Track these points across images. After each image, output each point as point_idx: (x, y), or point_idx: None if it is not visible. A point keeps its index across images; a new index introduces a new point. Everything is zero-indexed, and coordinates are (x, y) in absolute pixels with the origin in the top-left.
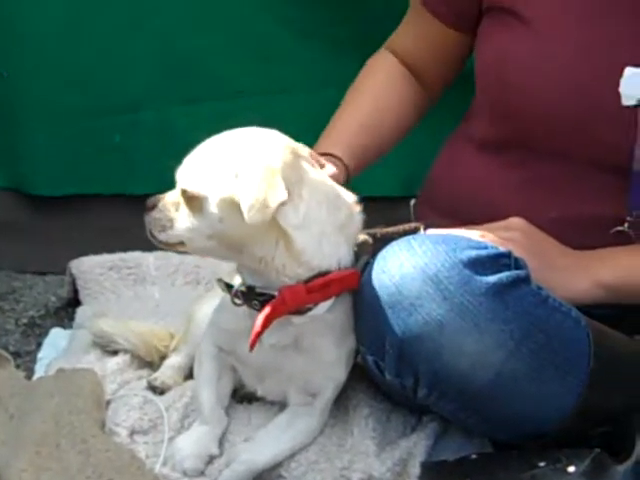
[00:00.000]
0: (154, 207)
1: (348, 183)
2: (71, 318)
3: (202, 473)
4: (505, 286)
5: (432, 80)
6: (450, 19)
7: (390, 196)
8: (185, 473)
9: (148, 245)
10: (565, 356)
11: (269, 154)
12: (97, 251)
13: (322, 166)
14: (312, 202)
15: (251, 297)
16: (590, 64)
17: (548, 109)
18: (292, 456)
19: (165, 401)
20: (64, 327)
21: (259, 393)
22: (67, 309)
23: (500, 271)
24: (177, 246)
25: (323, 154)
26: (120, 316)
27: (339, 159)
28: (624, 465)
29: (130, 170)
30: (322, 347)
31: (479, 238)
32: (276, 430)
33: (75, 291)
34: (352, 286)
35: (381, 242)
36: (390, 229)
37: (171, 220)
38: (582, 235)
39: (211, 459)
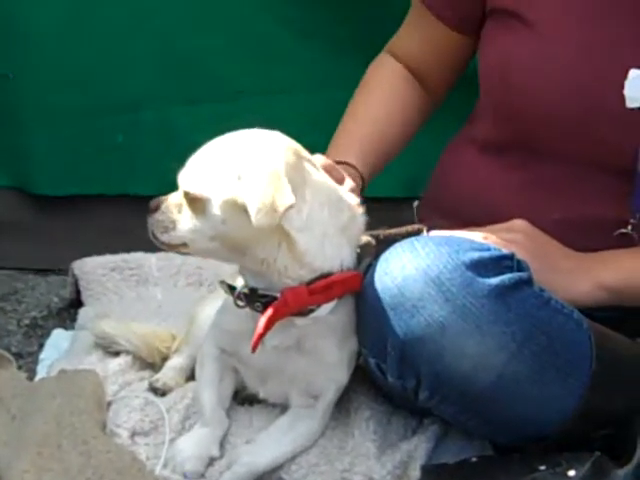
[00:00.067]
0: (157, 209)
1: (362, 191)
2: (73, 319)
3: (203, 475)
4: (507, 288)
5: (435, 83)
6: (454, 22)
7: (393, 197)
8: (186, 475)
9: (151, 245)
10: (567, 358)
11: (272, 156)
12: (99, 251)
13: (342, 179)
14: (315, 204)
15: (253, 299)
16: (592, 66)
17: (551, 110)
18: (293, 458)
19: (166, 402)
20: (66, 328)
21: (261, 395)
22: (69, 310)
23: (502, 273)
24: (179, 247)
25: (337, 162)
26: (122, 317)
27: (354, 167)
28: (624, 469)
29: (132, 170)
30: (324, 349)
31: (482, 240)
32: (277, 432)
33: (77, 292)
34: (354, 288)
35: (384, 244)
36: (393, 230)
37: (173, 222)
38: (585, 237)
39: (212, 461)
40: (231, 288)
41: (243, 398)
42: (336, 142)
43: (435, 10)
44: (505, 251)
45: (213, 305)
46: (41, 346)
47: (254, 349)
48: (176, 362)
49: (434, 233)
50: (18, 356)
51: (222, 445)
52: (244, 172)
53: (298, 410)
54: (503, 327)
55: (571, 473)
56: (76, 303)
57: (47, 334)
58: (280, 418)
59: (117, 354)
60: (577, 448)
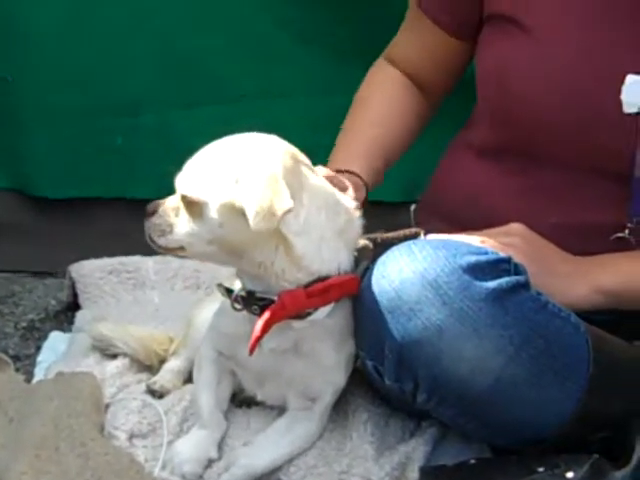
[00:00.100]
0: (154, 212)
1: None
2: (70, 322)
3: (201, 477)
4: (505, 292)
5: (433, 89)
6: (452, 27)
7: (391, 201)
8: (184, 477)
9: (149, 248)
10: (564, 362)
11: (270, 160)
12: (98, 254)
13: (345, 188)
14: (312, 208)
15: (251, 302)
16: (590, 71)
17: (549, 116)
18: (291, 460)
19: (164, 405)
20: (63, 331)
21: (258, 397)
22: (67, 313)
23: (500, 277)
24: (177, 251)
25: (341, 171)
26: (119, 320)
27: (358, 175)
28: (622, 471)
29: (131, 173)
30: (322, 352)
31: (479, 244)
32: (275, 434)
33: (75, 295)
34: (352, 291)
35: (381, 247)
36: (390, 234)
37: (171, 225)
38: (583, 241)
39: (210, 463)
40: (228, 291)
41: (241, 400)
42: (338, 151)
43: (432, 15)
44: (502, 255)
45: (210, 308)
46: (38, 349)
47: (251, 352)
48: (174, 365)
49: (431, 237)
50: (15, 359)
51: (220, 447)
52: (242, 176)
53: (296, 412)
54: (500, 330)
55: (569, 475)
56: (73, 306)
57: (44, 337)
58: (278, 420)
59: (114, 357)
60: (575, 450)
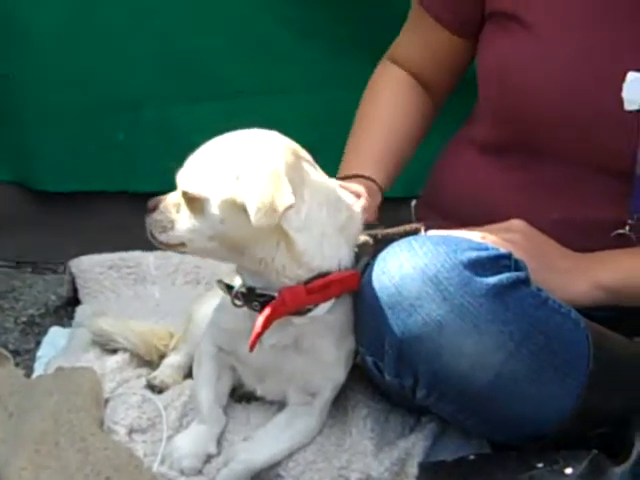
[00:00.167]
0: (155, 208)
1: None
2: (70, 317)
3: (200, 472)
4: (505, 287)
5: (437, 88)
6: (454, 26)
7: (391, 197)
8: (183, 472)
9: (150, 243)
10: (564, 358)
11: (271, 156)
12: (99, 247)
13: (358, 196)
14: (313, 204)
15: (251, 298)
16: (591, 68)
17: (550, 113)
18: (290, 456)
19: (164, 400)
20: (63, 326)
21: (258, 393)
22: (66, 308)
23: (500, 272)
24: (178, 247)
25: (354, 176)
26: (120, 315)
27: (372, 180)
28: (622, 467)
29: (133, 168)
30: (322, 348)
31: (479, 239)
32: (275, 430)
33: (75, 290)
34: (352, 287)
35: (382, 243)
36: (391, 230)
37: (172, 221)
38: (583, 238)
39: (209, 458)
40: (229, 287)
41: (240, 395)
42: (349, 155)
43: (434, 13)
44: (503, 250)
45: (210, 303)
46: (38, 344)
47: (252, 348)
48: (174, 360)
49: (432, 232)
50: (15, 353)
51: (219, 442)
52: (243, 172)
53: (295, 408)
54: (501, 326)
55: (568, 471)
56: (73, 301)
57: (44, 332)
58: (277, 415)
59: (114, 352)
60: (574, 447)
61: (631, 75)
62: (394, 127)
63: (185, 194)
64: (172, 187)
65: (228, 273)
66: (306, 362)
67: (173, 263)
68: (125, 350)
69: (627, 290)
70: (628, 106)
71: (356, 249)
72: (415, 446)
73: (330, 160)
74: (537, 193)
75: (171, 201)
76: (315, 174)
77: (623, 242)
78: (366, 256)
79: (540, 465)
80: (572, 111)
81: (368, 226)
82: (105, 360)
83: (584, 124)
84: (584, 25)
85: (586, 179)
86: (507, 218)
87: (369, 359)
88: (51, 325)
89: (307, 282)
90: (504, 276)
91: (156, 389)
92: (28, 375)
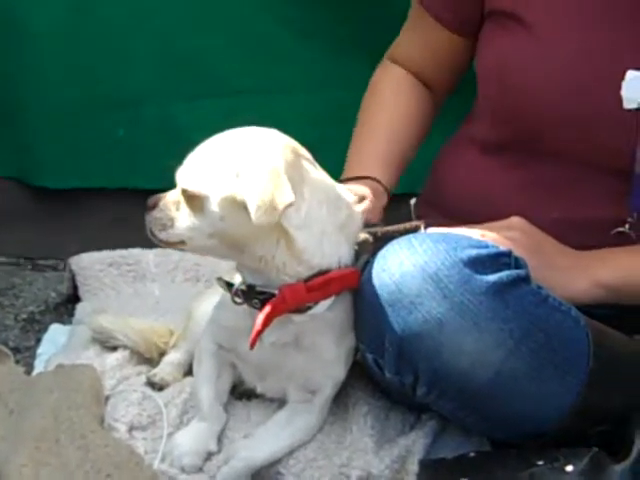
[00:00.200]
0: (155, 206)
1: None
2: (70, 314)
3: (200, 469)
4: (505, 285)
5: (438, 87)
6: (454, 25)
7: (391, 194)
8: (183, 469)
9: (151, 239)
10: (564, 355)
11: (271, 154)
12: (100, 244)
13: (363, 198)
14: (313, 202)
15: (251, 296)
16: (591, 67)
17: (549, 112)
18: (291, 453)
19: (164, 397)
20: (63, 323)
21: (259, 390)
22: (67, 305)
23: (500, 270)
24: (178, 245)
25: (360, 178)
26: (120, 312)
27: (378, 182)
28: (622, 465)
29: (133, 164)
30: (322, 345)
31: (479, 237)
32: (275, 427)
33: (75, 287)
34: (352, 285)
35: (382, 241)
36: (391, 228)
37: (172, 219)
38: (583, 236)
39: (209, 456)
40: (228, 285)
41: (241, 393)
42: (354, 157)
43: (434, 12)
44: (503, 248)
45: (210, 300)
46: (38, 341)
47: (252, 346)
48: (174, 357)
49: (432, 230)
50: (16, 351)
51: (220, 440)
52: (243, 169)
53: (296, 405)
54: (501, 324)
55: (569, 468)
56: (73, 298)
57: (44, 329)
58: (278, 413)
59: (114, 349)
60: (574, 445)
61: (630, 74)
62: (396, 127)
63: (185, 192)
64: (172, 184)
65: (228, 270)
66: (306, 360)
67: (173, 260)
68: (125, 347)
69: (627, 288)
70: (627, 105)
71: (356, 247)
72: (415, 443)
73: (330, 159)
74: (537, 192)
75: (171, 199)
76: (315, 172)
77: (623, 240)
78: (366, 254)
79: (540, 463)
80: (572, 110)
81: (368, 224)
82: (105, 357)
83: (584, 123)
84: (584, 24)
85: (586, 178)
86: (507, 216)
87: (369, 356)
88: (51, 322)
89: (307, 280)
90: (504, 274)
91: (156, 386)
92: (28, 372)
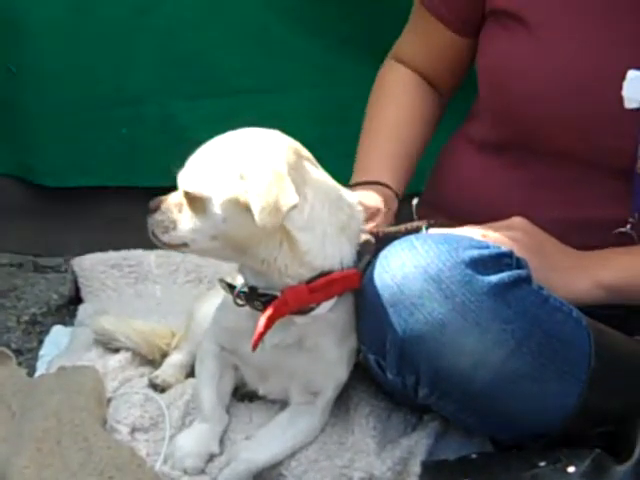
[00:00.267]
0: (157, 209)
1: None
2: (72, 316)
3: (202, 471)
4: (507, 286)
5: (443, 85)
6: (457, 25)
7: None
8: (185, 471)
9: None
10: (566, 356)
11: (274, 155)
12: (102, 242)
13: (377, 211)
14: (315, 203)
15: (253, 298)
16: (591, 68)
17: (549, 112)
18: (293, 455)
19: (166, 399)
20: (65, 325)
21: (261, 392)
22: (69, 307)
23: (502, 271)
24: (180, 247)
25: (371, 183)
26: (121, 314)
27: (389, 187)
28: (624, 466)
29: (135, 162)
30: (324, 346)
31: (481, 237)
32: (277, 429)
33: (77, 289)
34: (354, 286)
35: (383, 241)
36: (392, 228)
37: (174, 221)
38: (584, 236)
39: (211, 457)
40: (231, 287)
41: (243, 394)
42: (363, 162)
43: (435, 12)
44: (504, 249)
45: (212, 302)
46: (40, 343)
47: (254, 348)
48: (176, 359)
49: (433, 231)
50: (18, 352)
51: (222, 441)
52: (247, 171)
53: (298, 407)
54: (502, 324)
55: (571, 469)
56: (75, 300)
57: (46, 331)
58: (280, 414)
59: (117, 351)
60: (576, 445)
61: (631, 73)
62: (404, 130)
63: (187, 194)
64: (174, 182)
65: (230, 272)
66: (308, 361)
67: (175, 262)
68: (127, 349)
69: (628, 288)
70: (628, 104)
71: (358, 248)
72: (417, 445)
73: (332, 157)
74: (537, 191)
75: (173, 201)
76: (316, 173)
77: (624, 240)
78: (368, 255)
79: (542, 464)
80: (572, 110)
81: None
82: (107, 359)
83: (584, 123)
84: (584, 24)
85: (586, 178)
86: (507, 216)
87: (371, 357)
88: (53, 324)
89: (309, 281)
90: (505, 274)
91: (158, 388)
92: (30, 374)
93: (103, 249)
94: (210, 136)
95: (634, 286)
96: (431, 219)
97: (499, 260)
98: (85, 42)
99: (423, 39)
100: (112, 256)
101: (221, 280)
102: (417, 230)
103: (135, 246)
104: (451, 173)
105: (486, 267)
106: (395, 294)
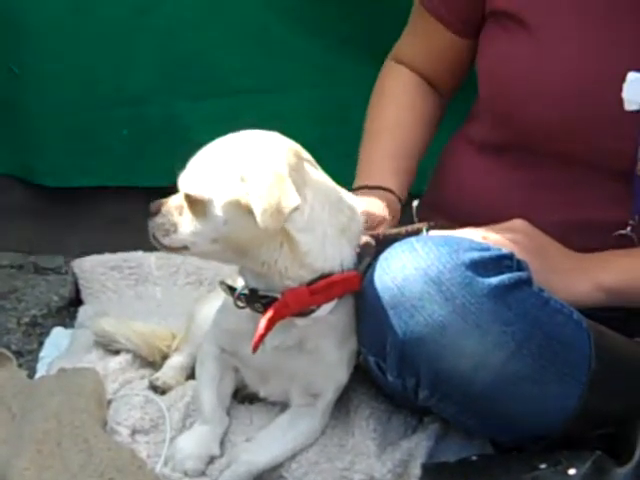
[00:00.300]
0: (157, 212)
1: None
2: (73, 317)
3: (203, 473)
4: (507, 288)
5: (443, 86)
6: (457, 26)
7: None
8: (186, 473)
9: None
10: (566, 358)
11: (275, 157)
12: (102, 243)
13: (383, 220)
14: (315, 204)
15: (254, 300)
16: (591, 70)
17: (549, 114)
18: (293, 457)
19: (166, 401)
20: (66, 326)
21: (261, 394)
22: (69, 309)
23: (502, 273)
24: (181, 250)
25: (373, 187)
26: (122, 316)
27: (392, 192)
28: (625, 468)
29: (136, 163)
30: (324, 349)
31: (481, 240)
32: (277, 431)
33: (77, 291)
34: (354, 288)
35: (384, 243)
36: (393, 230)
37: (175, 224)
38: (584, 238)
39: (212, 459)
40: (231, 289)
41: (243, 396)
42: (365, 166)
43: (435, 13)
44: (505, 251)
45: (212, 304)
46: (41, 344)
47: (255, 350)
48: (176, 361)
49: (433, 233)
50: (18, 354)
51: (222, 443)
52: (248, 173)
53: (298, 409)
54: (503, 327)
55: (571, 472)
56: (75, 302)
57: (47, 332)
58: (280, 416)
59: (117, 352)
60: (577, 447)
61: (631, 75)
62: (405, 131)
63: (188, 196)
64: (175, 182)
65: (230, 274)
66: (309, 363)
67: (175, 264)
68: (127, 351)
69: (628, 291)
70: (628, 106)
71: (358, 250)
72: (418, 447)
73: (332, 157)
74: (538, 193)
75: (173, 204)
76: (316, 174)
77: (625, 243)
78: (368, 257)
79: (543, 466)
80: (572, 112)
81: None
82: (108, 361)
83: (584, 124)
84: (584, 26)
85: (587, 180)
86: (508, 218)
87: (371, 359)
88: (53, 326)
89: (310, 283)
90: (506, 276)
91: (159, 390)
92: (31, 376)
93: (103, 249)
94: (210, 136)
95: (634, 288)
96: (431, 221)
97: (500, 262)
98: (86, 42)
99: (423, 40)
100: (112, 258)
101: (221, 282)
102: (418, 232)
103: (135, 246)
104: (451, 174)
105: (486, 269)
106: (395, 296)
